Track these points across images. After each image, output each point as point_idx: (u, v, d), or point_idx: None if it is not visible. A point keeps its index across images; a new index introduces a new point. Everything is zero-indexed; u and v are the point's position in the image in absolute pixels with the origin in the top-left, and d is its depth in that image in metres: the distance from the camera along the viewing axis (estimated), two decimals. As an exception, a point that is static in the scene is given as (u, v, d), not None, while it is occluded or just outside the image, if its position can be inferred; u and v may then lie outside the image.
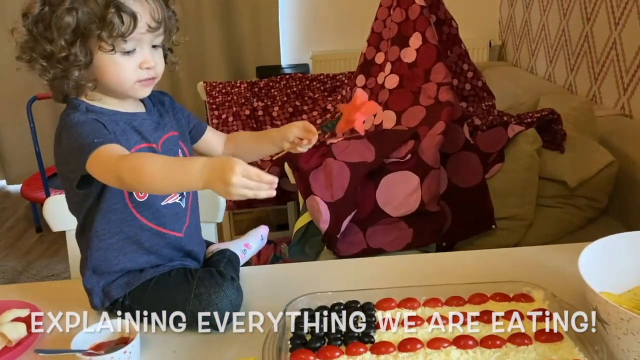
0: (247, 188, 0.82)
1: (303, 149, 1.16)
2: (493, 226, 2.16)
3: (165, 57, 1.09)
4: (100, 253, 1.07)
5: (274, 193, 0.86)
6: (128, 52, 0.99)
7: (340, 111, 1.09)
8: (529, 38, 3.60)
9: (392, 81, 2.18)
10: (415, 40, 2.16)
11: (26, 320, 1.04)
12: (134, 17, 0.95)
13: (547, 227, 2.20)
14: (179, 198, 1.11)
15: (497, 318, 0.93)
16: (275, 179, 0.86)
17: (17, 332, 0.99)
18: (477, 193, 2.14)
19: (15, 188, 4.12)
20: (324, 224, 1.72)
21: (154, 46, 1.03)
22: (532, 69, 3.58)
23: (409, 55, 2.17)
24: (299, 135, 1.13)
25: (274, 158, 1.24)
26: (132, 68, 1.00)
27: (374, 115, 2.27)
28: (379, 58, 2.35)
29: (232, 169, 0.81)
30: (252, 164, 0.87)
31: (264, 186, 0.84)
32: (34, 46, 0.99)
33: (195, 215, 1.18)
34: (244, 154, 1.22)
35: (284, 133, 1.14)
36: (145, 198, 1.05)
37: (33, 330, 1.02)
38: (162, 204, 1.08)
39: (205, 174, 0.84)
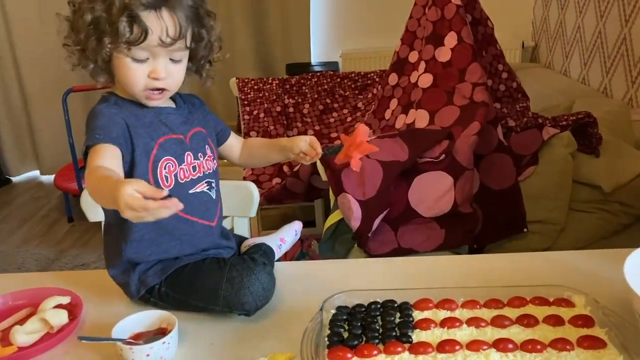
0: (139, 218, 0.81)
1: (305, 162, 1.19)
2: (525, 230, 2.13)
3: (199, 71, 1.13)
4: (134, 244, 1.08)
5: (180, 206, 0.83)
6: (140, 60, 1.01)
7: (342, 142, 1.10)
8: (564, 39, 3.54)
9: (425, 80, 2.16)
10: (451, 40, 2.14)
11: (66, 308, 1.06)
12: (145, 30, 0.96)
13: (580, 232, 2.17)
14: (207, 188, 1.13)
15: (538, 322, 0.92)
16: (167, 203, 0.82)
17: (59, 318, 1.01)
18: (510, 195, 2.12)
19: (49, 178, 4.20)
20: (355, 222, 1.72)
21: (173, 60, 1.04)
22: (565, 71, 3.53)
23: (443, 54, 2.15)
24: (304, 149, 1.16)
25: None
26: (141, 75, 1.02)
27: (406, 114, 2.26)
28: (413, 57, 2.33)
29: (118, 203, 0.80)
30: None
31: (157, 212, 0.81)
32: (70, 34, 1.03)
33: (222, 214, 1.20)
34: (255, 159, 1.30)
35: (292, 145, 1.17)
36: (172, 187, 1.07)
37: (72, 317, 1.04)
38: (190, 191, 1.10)
39: (113, 203, 0.82)
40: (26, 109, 4.13)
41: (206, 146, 1.16)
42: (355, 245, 1.77)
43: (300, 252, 2.69)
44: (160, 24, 0.98)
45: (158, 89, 1.05)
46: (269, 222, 3.01)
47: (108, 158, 0.97)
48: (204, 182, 1.13)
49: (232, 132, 1.29)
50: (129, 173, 1.04)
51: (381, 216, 1.74)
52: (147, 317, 1.00)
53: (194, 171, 1.11)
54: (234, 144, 1.28)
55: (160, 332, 0.99)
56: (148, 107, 1.08)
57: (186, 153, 1.10)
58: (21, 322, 1.03)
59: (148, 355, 0.92)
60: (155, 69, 1.02)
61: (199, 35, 1.07)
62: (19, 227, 3.50)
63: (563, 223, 2.17)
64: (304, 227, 1.39)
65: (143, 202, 0.79)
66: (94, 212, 1.41)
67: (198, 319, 1.05)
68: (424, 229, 1.76)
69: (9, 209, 3.79)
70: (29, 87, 4.05)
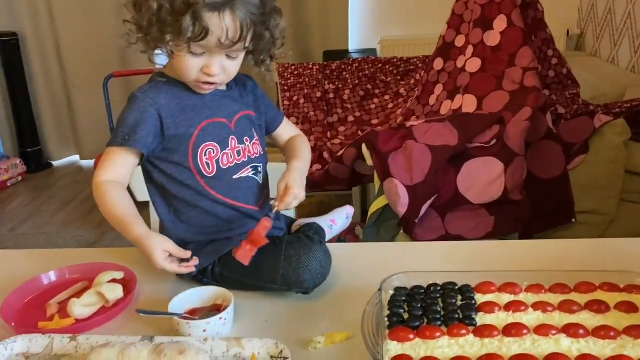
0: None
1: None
2: (573, 220, 2.08)
3: (260, 64, 1.09)
4: (183, 227, 1.08)
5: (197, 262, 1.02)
6: (196, 54, 0.99)
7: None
8: (612, 27, 3.43)
9: (473, 65, 2.12)
10: (500, 23, 2.09)
11: (120, 283, 1.06)
12: (206, 30, 0.94)
13: (631, 224, 2.10)
14: (253, 172, 1.11)
15: (609, 308, 0.88)
16: (190, 266, 1.02)
17: (115, 293, 1.01)
18: (558, 185, 2.06)
19: (88, 163, 4.27)
20: (401, 208, 1.69)
21: (229, 56, 1.02)
22: (613, 59, 3.41)
23: (492, 38, 2.09)
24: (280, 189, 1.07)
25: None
26: (195, 68, 1.00)
27: (452, 100, 2.21)
28: (459, 41, 2.28)
29: (151, 259, 0.97)
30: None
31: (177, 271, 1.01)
32: (134, 14, 1.01)
33: (269, 197, 1.18)
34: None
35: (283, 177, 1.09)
36: (214, 174, 1.06)
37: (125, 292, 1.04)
38: (235, 177, 1.08)
39: (139, 248, 0.99)
40: (67, 95, 4.19)
41: (253, 130, 1.13)
42: (401, 231, 1.74)
43: (338, 238, 2.67)
44: (221, 26, 0.95)
45: (208, 83, 1.03)
46: (304, 210, 2.99)
47: (121, 166, 1.03)
48: (249, 167, 1.10)
49: (286, 121, 1.25)
50: (168, 159, 1.05)
51: (429, 202, 1.71)
52: (202, 293, 1.00)
53: (238, 156, 1.09)
54: (283, 133, 1.23)
55: (215, 309, 0.98)
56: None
57: (230, 137, 1.08)
58: (77, 295, 1.04)
59: (205, 330, 0.91)
60: (209, 66, 1.00)
61: (261, 35, 1.03)
62: (60, 210, 3.56)
63: (613, 214, 2.11)
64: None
65: (173, 267, 0.99)
66: (143, 192, 1.41)
67: (253, 296, 1.04)
68: (473, 216, 1.72)
69: (51, 193, 3.86)
70: (71, 73, 4.11)
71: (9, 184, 3.94)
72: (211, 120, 1.06)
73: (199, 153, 1.04)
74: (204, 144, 1.05)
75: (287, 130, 1.24)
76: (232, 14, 0.95)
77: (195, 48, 0.97)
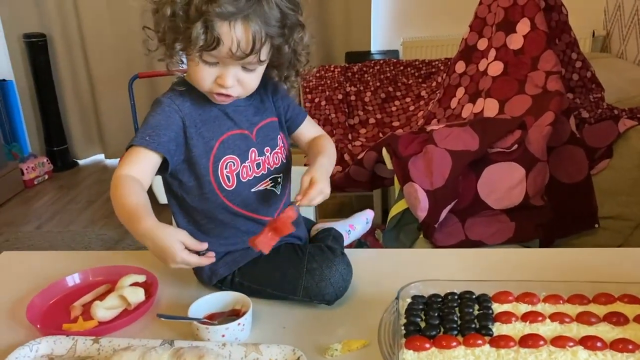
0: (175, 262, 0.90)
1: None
2: (596, 225, 2.05)
3: (284, 80, 1.08)
4: (202, 236, 1.07)
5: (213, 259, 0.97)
6: (209, 63, 0.97)
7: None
8: (639, 28, 3.37)
9: (495, 68, 2.10)
10: (523, 26, 2.07)
11: (142, 286, 1.08)
12: (217, 40, 0.92)
13: (656, 231, 2.07)
14: (272, 185, 1.10)
15: (628, 321, 0.87)
16: (208, 258, 0.96)
17: (137, 296, 1.03)
18: (581, 189, 2.04)
19: (113, 162, 4.33)
20: (421, 212, 1.69)
21: (246, 68, 0.99)
22: (640, 61, 3.35)
23: (515, 41, 2.08)
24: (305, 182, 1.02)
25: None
26: (209, 78, 0.98)
27: (473, 103, 2.20)
28: (482, 44, 2.26)
29: (165, 255, 0.89)
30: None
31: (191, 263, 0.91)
32: (153, 18, 1.00)
33: (289, 200, 1.17)
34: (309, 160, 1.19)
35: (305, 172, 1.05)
36: (234, 187, 1.05)
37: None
38: (252, 190, 1.07)
39: (149, 244, 0.89)
40: (93, 95, 4.26)
41: (277, 137, 1.12)
42: (421, 235, 1.73)
43: (358, 241, 2.67)
44: (231, 36, 0.92)
45: (222, 95, 1.00)
46: (325, 211, 3.00)
47: (141, 164, 0.97)
48: (268, 179, 1.09)
49: (309, 121, 1.21)
50: (188, 171, 1.03)
51: (449, 207, 1.70)
52: (221, 298, 1.01)
53: (257, 168, 1.07)
54: (305, 132, 1.20)
55: (233, 314, 0.99)
56: None
57: (250, 150, 1.07)
58: (100, 297, 1.06)
59: (223, 335, 0.93)
60: (223, 77, 0.97)
61: (280, 49, 0.99)
62: (85, 209, 3.62)
63: (638, 220, 2.07)
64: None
65: (195, 259, 0.91)
66: (164, 195, 1.43)
67: (271, 302, 1.06)
68: (493, 222, 1.71)
69: (77, 191, 3.93)
70: (97, 73, 4.18)
71: (35, 182, 4.02)
72: (232, 132, 1.05)
73: (219, 166, 1.03)
74: (224, 157, 1.04)
75: (309, 129, 1.21)
76: (244, 24, 0.92)
77: (208, 57, 0.95)
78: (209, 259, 0.95)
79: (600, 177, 2.08)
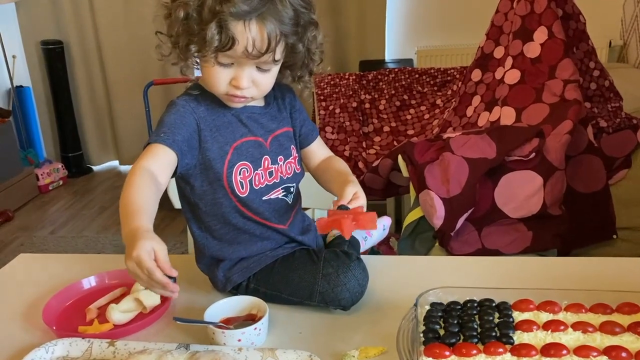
0: (136, 275, 0.82)
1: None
2: (614, 236, 2.02)
3: (298, 79, 1.07)
4: (215, 242, 1.07)
5: (174, 295, 0.85)
6: (224, 64, 0.96)
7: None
8: (657, 38, 3.34)
9: (512, 76, 2.09)
10: (541, 35, 2.06)
11: (158, 290, 1.07)
12: (232, 39, 0.92)
13: (675, 242, 2.03)
14: (284, 194, 1.09)
15: (653, 331, 0.85)
16: (169, 284, 0.82)
17: (153, 299, 1.03)
18: (599, 199, 2.01)
19: (127, 168, 4.36)
20: (437, 220, 1.67)
21: (261, 68, 0.98)
22: (658, 71, 3.32)
23: (532, 49, 2.06)
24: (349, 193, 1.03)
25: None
26: (224, 80, 0.98)
27: (489, 112, 2.19)
28: (498, 52, 2.25)
29: (131, 250, 0.81)
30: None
31: (154, 283, 0.82)
32: (165, 22, 1.01)
33: (299, 210, 1.16)
34: (320, 181, 1.19)
35: (341, 193, 1.04)
36: (247, 194, 1.04)
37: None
38: (264, 198, 1.06)
39: (127, 243, 0.83)
40: (108, 101, 4.30)
41: (292, 147, 1.11)
42: (437, 244, 1.72)
43: (371, 249, 2.65)
44: (246, 35, 0.92)
45: (237, 96, 1.00)
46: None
47: (160, 159, 0.96)
48: (280, 188, 1.08)
49: (319, 140, 1.20)
50: (201, 175, 1.02)
51: (465, 215, 1.69)
52: (237, 303, 1.00)
53: (269, 177, 1.06)
54: (315, 151, 1.19)
55: (249, 318, 0.98)
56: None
57: (264, 157, 1.06)
58: (116, 300, 1.06)
59: (240, 340, 0.92)
60: (238, 78, 0.97)
61: (294, 48, 0.99)
62: (99, 214, 3.64)
63: (657, 231, 2.04)
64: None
65: (153, 266, 0.80)
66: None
67: (287, 307, 1.05)
68: (510, 230, 1.69)
69: (91, 197, 3.95)
70: (112, 80, 4.21)
71: (50, 188, 4.05)
72: (246, 138, 1.04)
73: (233, 172, 1.02)
74: (238, 163, 1.03)
75: (320, 148, 1.20)
76: (259, 23, 0.92)
77: (223, 58, 0.95)
78: (172, 291, 0.84)
79: (618, 188, 2.06)
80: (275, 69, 1.01)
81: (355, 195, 1.03)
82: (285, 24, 0.95)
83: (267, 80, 1.00)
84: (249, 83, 0.98)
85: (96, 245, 3.21)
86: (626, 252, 2.01)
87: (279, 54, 0.97)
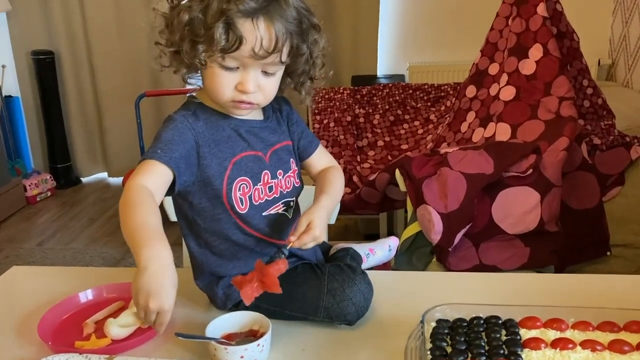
0: (137, 302, 0.82)
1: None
2: (608, 253, 2.03)
3: (298, 87, 1.06)
4: (215, 258, 1.05)
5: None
6: (229, 68, 0.95)
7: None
8: (646, 58, 3.39)
9: (507, 93, 2.10)
10: (536, 52, 2.08)
11: (157, 304, 1.05)
12: (239, 38, 0.90)
13: (669, 259, 2.04)
14: (284, 209, 1.07)
15: (663, 349, 0.84)
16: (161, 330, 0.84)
17: (152, 314, 1.00)
18: (593, 216, 2.02)
19: (116, 180, 4.31)
20: (435, 235, 1.66)
21: (266, 72, 0.97)
22: (647, 90, 3.37)
23: (527, 67, 2.08)
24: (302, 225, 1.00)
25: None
26: (230, 85, 0.96)
27: (484, 128, 2.20)
28: (493, 69, 2.27)
29: (154, 287, 0.80)
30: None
31: (147, 321, 0.83)
32: (164, 31, 0.98)
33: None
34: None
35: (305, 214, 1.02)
36: (246, 210, 1.02)
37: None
38: (264, 214, 1.04)
39: (144, 273, 0.80)
40: (99, 113, 4.26)
41: (291, 160, 1.10)
42: (434, 259, 1.71)
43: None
44: (254, 34, 0.91)
45: (243, 102, 0.98)
46: (329, 233, 2.96)
47: (156, 176, 0.93)
48: (280, 203, 1.06)
49: (322, 149, 1.18)
50: (200, 192, 1.00)
51: (463, 231, 1.68)
52: (239, 318, 0.98)
53: (269, 191, 1.04)
54: (317, 160, 1.17)
55: (251, 334, 0.96)
56: (231, 117, 1.02)
57: (263, 172, 1.04)
58: (114, 314, 1.03)
59: (242, 357, 0.90)
60: (244, 82, 0.95)
61: (299, 49, 0.98)
62: (87, 226, 3.59)
63: (650, 248, 2.05)
64: (365, 240, 1.33)
65: (165, 323, 0.82)
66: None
67: (290, 323, 1.03)
68: (508, 246, 1.69)
69: (79, 208, 3.90)
70: (102, 92, 4.18)
71: (38, 199, 3.99)
72: (246, 153, 1.03)
73: (233, 188, 1.00)
74: (238, 178, 1.01)
75: (321, 158, 1.18)
76: (266, 21, 0.91)
77: (229, 61, 0.93)
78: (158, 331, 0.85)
79: (612, 205, 2.07)
80: (280, 74, 1.00)
81: (309, 227, 0.98)
82: (291, 23, 0.94)
83: (272, 84, 0.99)
84: (255, 87, 0.97)
85: (84, 257, 3.16)
86: (621, 270, 2.02)
87: (285, 55, 0.96)
